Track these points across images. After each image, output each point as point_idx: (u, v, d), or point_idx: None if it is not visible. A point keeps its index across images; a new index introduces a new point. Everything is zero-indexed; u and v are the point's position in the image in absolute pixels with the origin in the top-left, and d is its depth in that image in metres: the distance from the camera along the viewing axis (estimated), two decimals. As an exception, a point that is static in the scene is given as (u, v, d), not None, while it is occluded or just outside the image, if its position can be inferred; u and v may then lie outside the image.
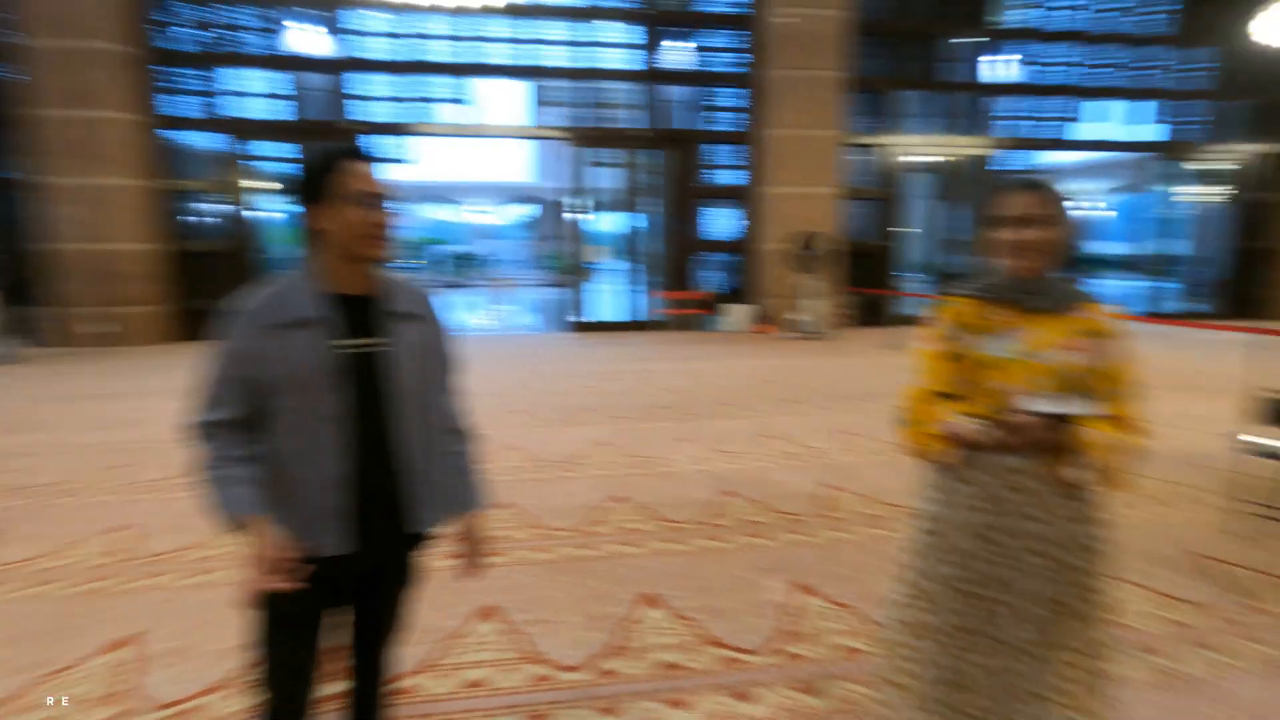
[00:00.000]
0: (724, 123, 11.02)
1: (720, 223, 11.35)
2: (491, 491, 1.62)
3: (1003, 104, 11.71)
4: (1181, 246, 12.90)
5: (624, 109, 11.04)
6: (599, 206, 12.17)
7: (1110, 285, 14.78)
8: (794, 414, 5.55)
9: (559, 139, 10.87)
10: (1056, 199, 1.47)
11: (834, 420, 5.34)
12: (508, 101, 13.81)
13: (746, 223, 11.02)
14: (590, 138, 10.66)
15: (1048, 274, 1.51)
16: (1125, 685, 2.10)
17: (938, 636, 1.59)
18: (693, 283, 11.16)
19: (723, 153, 11.14)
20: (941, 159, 11.52)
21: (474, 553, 1.56)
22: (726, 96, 10.95)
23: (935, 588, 1.59)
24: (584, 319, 11.21)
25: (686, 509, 3.52)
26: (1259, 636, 2.37)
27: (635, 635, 2.37)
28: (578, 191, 10.83)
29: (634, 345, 9.50)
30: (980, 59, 11.51)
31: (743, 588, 2.70)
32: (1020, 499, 1.49)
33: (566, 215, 10.92)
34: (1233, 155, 11.93)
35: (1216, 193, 12.41)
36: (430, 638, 2.29)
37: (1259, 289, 12.10)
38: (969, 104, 11.56)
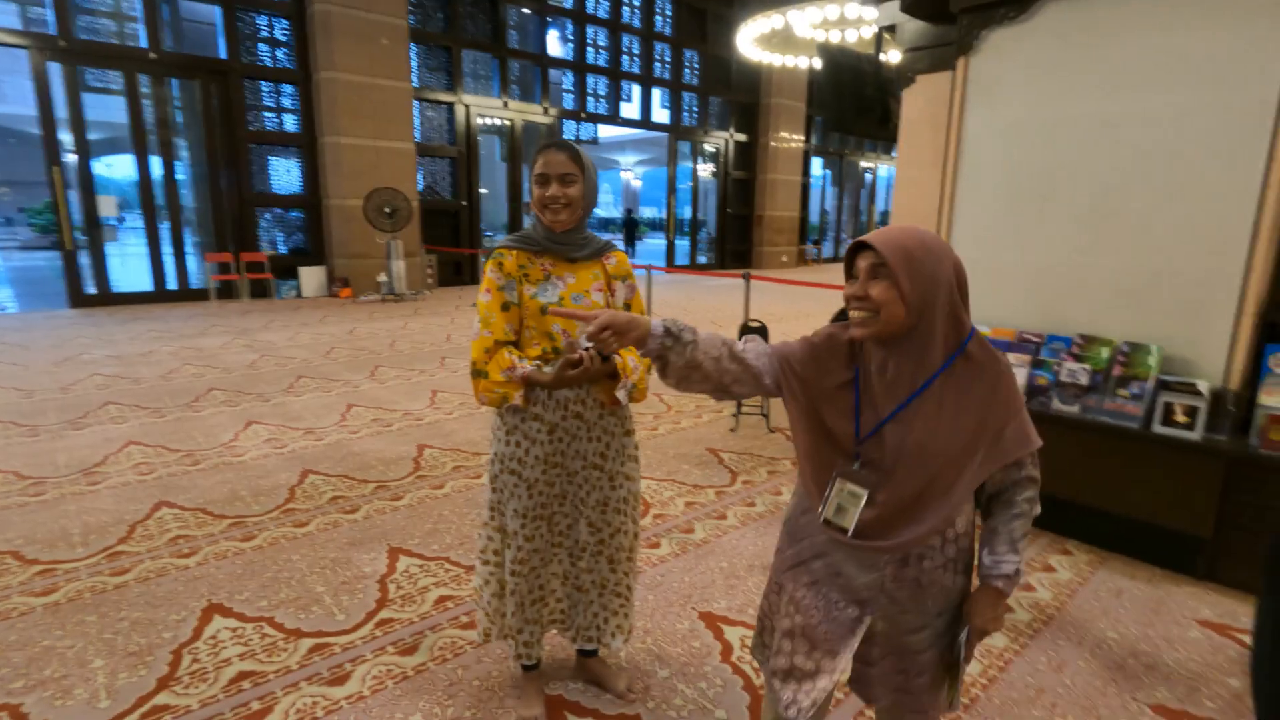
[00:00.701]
0: (270, 59, 9.59)
1: (285, 175, 9.98)
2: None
3: (567, 78, 12.84)
4: (689, 212, 16.19)
5: (119, 20, 8.72)
6: (101, 146, 9.46)
7: (646, 244, 17.77)
8: (380, 379, 5.31)
9: (15, 46, 8.01)
10: (581, 157, 1.65)
11: (422, 382, 5.28)
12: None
13: (312, 175, 9.92)
14: (69, 52, 8.13)
15: (581, 224, 1.70)
16: (665, 561, 2.62)
17: (516, 565, 1.72)
18: (251, 242, 9.64)
19: (277, 96, 9.71)
20: (509, 123, 12.09)
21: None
22: (272, 29, 9.52)
23: (513, 522, 1.71)
24: (98, 291, 8.76)
25: (258, 499, 3.09)
26: (743, 500, 3.19)
27: (196, 659, 2.00)
28: (71, 124, 8.23)
29: (176, 320, 7.83)
30: (543, 32, 12.34)
31: (330, 569, 2.50)
32: (577, 424, 1.68)
33: (64, 157, 8.18)
34: (719, 140, 15.34)
35: (711, 169, 15.88)
36: None
37: (745, 245, 16.07)
38: (536, 73, 12.33)
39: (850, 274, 1.12)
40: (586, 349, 1.54)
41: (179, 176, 9.37)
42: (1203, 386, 2.46)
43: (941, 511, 1.11)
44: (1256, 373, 2.45)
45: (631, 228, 22.29)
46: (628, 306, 1.72)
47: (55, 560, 2.53)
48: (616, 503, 1.74)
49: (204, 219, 9.76)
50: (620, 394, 1.64)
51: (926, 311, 1.06)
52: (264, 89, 9.60)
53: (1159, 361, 2.59)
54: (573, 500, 1.72)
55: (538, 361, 1.63)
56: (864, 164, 19.72)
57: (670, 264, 15.12)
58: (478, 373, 1.62)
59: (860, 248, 1.10)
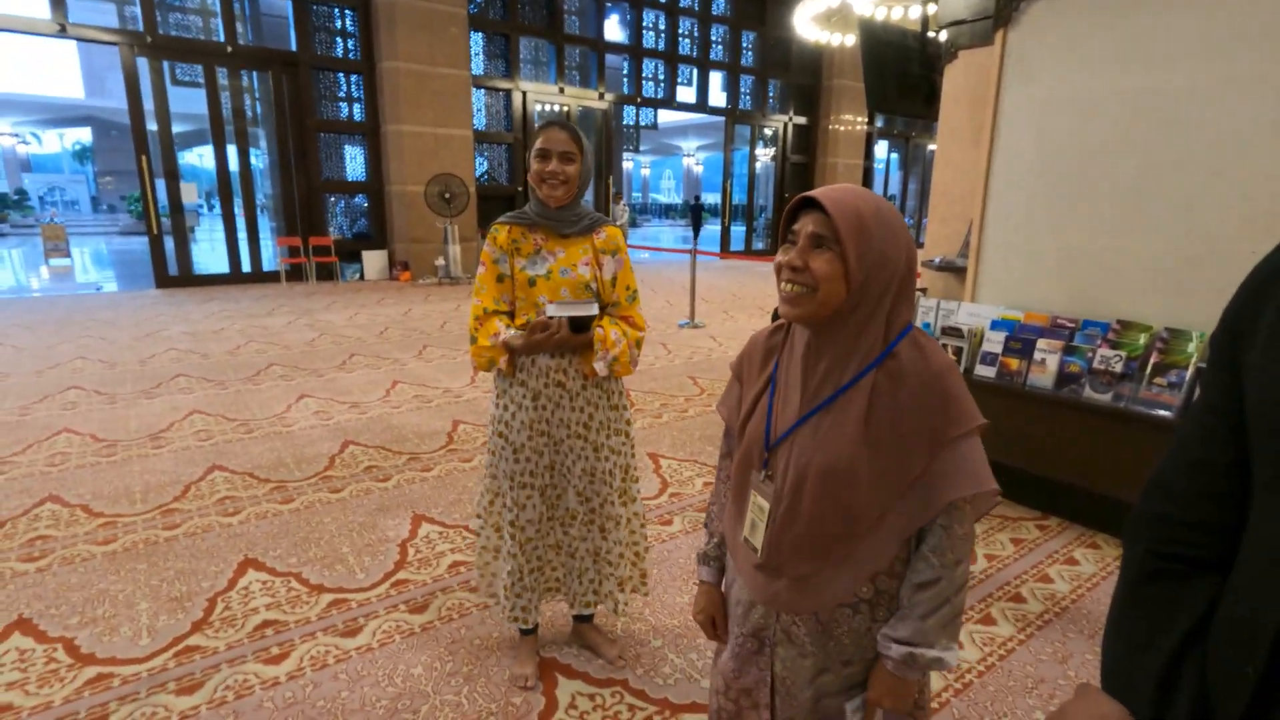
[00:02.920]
0: (341, 50, 9.98)
1: (350, 163, 10.41)
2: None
3: (624, 63, 12.88)
4: (746, 196, 15.97)
5: (204, 15, 9.25)
6: (191, 137, 10.10)
7: (706, 230, 17.62)
8: (426, 359, 5.52)
9: (108, 43, 8.63)
10: (580, 138, 1.70)
11: (466, 361, 5.46)
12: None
13: (375, 163, 10.31)
14: (155, 47, 8.69)
15: (575, 201, 1.75)
16: (675, 538, 2.66)
17: (513, 530, 1.80)
18: (320, 228, 10.12)
19: (348, 86, 10.12)
20: (567, 108, 12.22)
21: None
22: (343, 19, 9.91)
23: (505, 486, 1.79)
24: (179, 273, 9.39)
25: (300, 467, 3.29)
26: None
27: (228, 606, 2.17)
28: (157, 115, 8.81)
29: (247, 300, 8.32)
30: (600, 17, 12.39)
31: (357, 531, 2.66)
32: (559, 393, 1.74)
33: (152, 147, 8.78)
34: (778, 123, 15.05)
35: (770, 153, 15.61)
36: (-84, 677, 1.78)
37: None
38: (592, 59, 12.41)
39: (788, 237, 0.93)
40: (553, 317, 1.60)
41: (255, 165, 9.91)
42: (1246, 376, 2.31)
43: (858, 566, 0.93)
44: (1309, 362, 2.28)
45: (698, 214, 22.17)
46: (614, 279, 1.76)
47: (117, 514, 2.78)
48: (603, 475, 1.79)
49: (277, 205, 10.29)
50: (599, 365, 1.69)
51: (869, 296, 0.89)
52: (332, 79, 10.01)
53: (1200, 349, 2.44)
54: (560, 470, 1.78)
55: (520, 329, 1.70)
56: (931, 146, 18.97)
57: (725, 249, 14.99)
58: (471, 339, 1.72)
59: (805, 206, 0.91)
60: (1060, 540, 2.65)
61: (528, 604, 1.86)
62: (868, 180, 16.60)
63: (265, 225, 10.60)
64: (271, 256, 10.25)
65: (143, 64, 8.66)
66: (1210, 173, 2.41)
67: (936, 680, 1.85)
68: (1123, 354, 2.58)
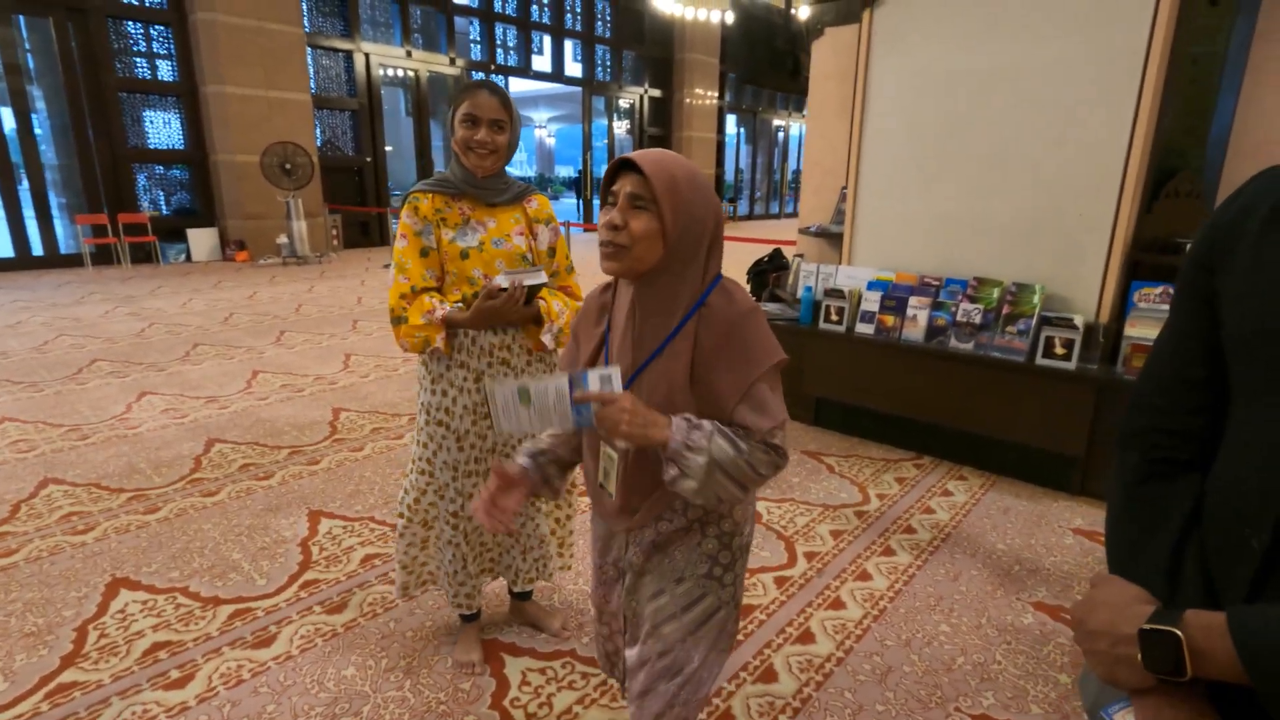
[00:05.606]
0: (138, -4, 8.67)
1: (164, 129, 9.13)
2: None
3: (475, 27, 12.27)
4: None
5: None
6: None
7: (560, 204, 17.49)
8: (287, 345, 5.06)
9: None
10: (510, 103, 1.62)
11: (334, 346, 5.07)
12: None
13: (195, 129, 9.14)
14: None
15: (502, 171, 1.67)
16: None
17: (453, 519, 1.72)
18: (129, 203, 8.84)
19: (155, 41, 8.82)
20: (413, 74, 11.50)
21: None
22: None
23: (443, 474, 1.70)
24: (-55, 258, 7.84)
25: (159, 472, 2.91)
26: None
27: (104, 634, 1.90)
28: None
29: (44, 288, 7.15)
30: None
31: (247, 535, 2.41)
32: (504, 371, 1.67)
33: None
34: (634, 95, 15.15)
35: (626, 126, 15.71)
36: None
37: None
38: (440, 21, 11.71)
39: (607, 198, 0.99)
40: (504, 289, 1.51)
41: (37, 130, 8.42)
42: (1078, 321, 2.70)
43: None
44: (1124, 307, 2.71)
45: (542, 188, 21.86)
46: (553, 250, 1.72)
47: (-72, 546, 2.32)
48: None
49: (71, 177, 8.84)
50: (546, 339, 1.64)
51: (683, 251, 0.97)
52: (133, 31, 8.70)
53: (1042, 299, 2.82)
54: (502, 452, 1.72)
55: (459, 304, 1.61)
56: (777, 121, 20.01)
57: (587, 222, 14.96)
58: (397, 319, 1.59)
59: (623, 168, 0.97)
60: (935, 475, 2.97)
61: (471, 590, 1.80)
62: (719, 153, 17.21)
63: (54, 201, 9.07)
64: (69, 237, 8.83)
65: None
66: (1050, 142, 2.76)
67: (856, 610, 2.03)
68: (980, 307, 2.91)
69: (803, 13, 4.98)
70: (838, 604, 2.07)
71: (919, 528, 2.53)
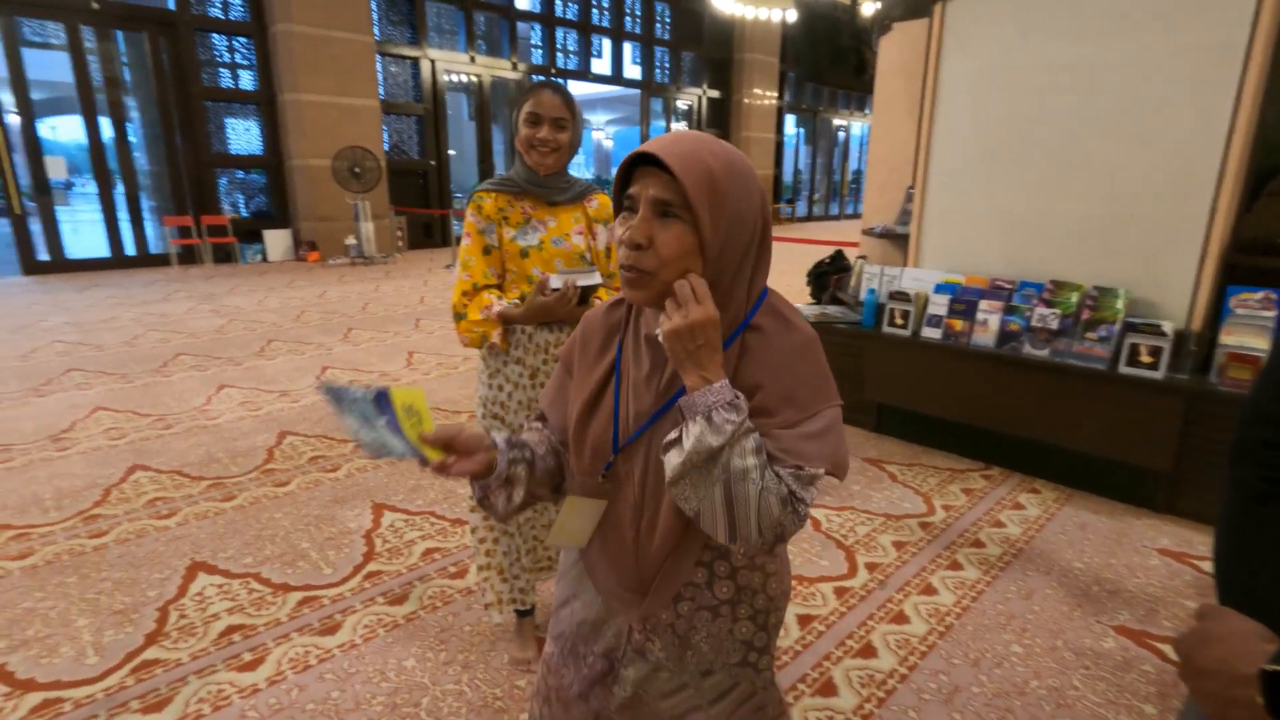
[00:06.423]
0: (221, 9, 9.14)
1: (245, 135, 9.60)
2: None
3: (536, 32, 12.47)
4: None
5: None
6: (43, 108, 9.00)
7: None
8: (354, 342, 5.24)
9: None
10: (573, 102, 1.62)
11: (397, 344, 5.22)
12: None
13: (273, 135, 9.58)
14: (4, 1, 7.66)
15: (563, 169, 1.68)
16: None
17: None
18: (211, 206, 9.33)
19: (237, 52, 9.28)
20: (476, 79, 11.75)
21: None
22: (221, -24, 9.06)
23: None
24: (48, 258, 8.43)
25: (236, 461, 3.05)
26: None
27: (183, 614, 2.00)
28: (12, 82, 7.79)
29: (135, 286, 7.60)
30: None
31: (314, 525, 2.50)
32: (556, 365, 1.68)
33: (5, 117, 7.73)
34: (692, 96, 15.10)
35: (684, 127, 15.66)
36: None
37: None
38: (503, 26, 11.95)
39: (624, 203, 0.77)
40: (556, 289, 1.53)
41: (131, 138, 8.97)
42: (1167, 327, 2.53)
43: (693, 538, 0.82)
44: (1218, 313, 2.53)
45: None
46: (609, 250, 1.71)
47: (29, 525, 2.49)
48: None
49: (160, 182, 9.39)
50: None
51: (727, 266, 0.76)
52: (217, 43, 9.18)
53: (1126, 304, 2.66)
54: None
55: (515, 302, 1.62)
56: (837, 121, 19.61)
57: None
58: (458, 315, 1.62)
59: (642, 162, 0.74)
60: (1005, 487, 2.84)
61: (525, 585, 1.81)
62: (779, 154, 16.98)
63: (146, 204, 9.65)
64: (158, 238, 9.38)
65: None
66: (1132, 140, 2.61)
67: (920, 625, 1.96)
68: (1058, 311, 2.76)
69: (868, 8, 4.86)
70: (900, 618, 2.00)
71: (988, 542, 2.42)
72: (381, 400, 0.79)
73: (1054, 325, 2.76)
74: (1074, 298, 2.77)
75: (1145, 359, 2.56)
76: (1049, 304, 2.81)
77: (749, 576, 0.86)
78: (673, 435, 0.73)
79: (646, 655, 0.88)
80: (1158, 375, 2.53)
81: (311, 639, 1.89)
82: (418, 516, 2.58)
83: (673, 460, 0.72)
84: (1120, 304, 2.65)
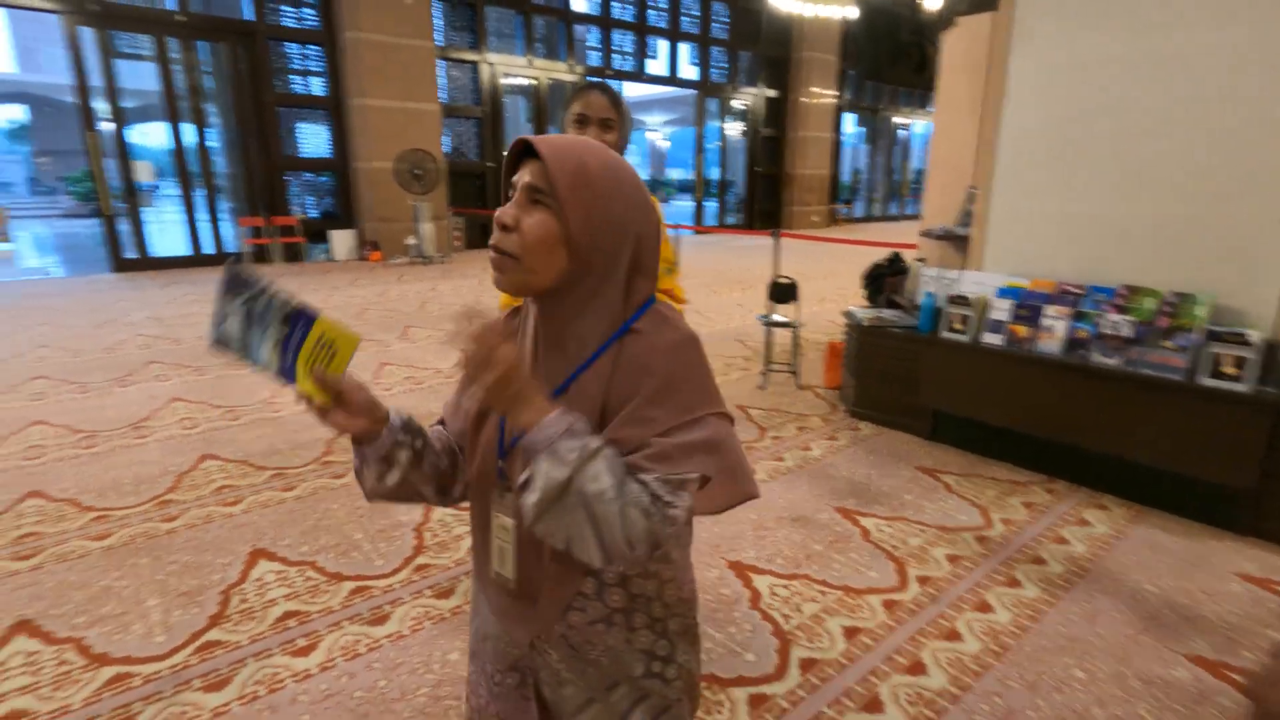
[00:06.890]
0: (300, 19, 9.54)
1: (314, 139, 10.01)
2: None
3: (593, 34, 12.60)
4: (717, 172, 15.92)
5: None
6: (132, 114, 9.58)
7: (672, 206, 17.59)
8: (412, 339, 5.38)
9: (46, 10, 8.09)
10: (621, 102, 1.63)
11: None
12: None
13: (340, 139, 9.94)
14: (98, 16, 8.18)
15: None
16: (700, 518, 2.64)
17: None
18: (282, 207, 9.75)
19: (309, 59, 9.68)
20: (534, 82, 11.93)
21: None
22: (295, -13, 9.46)
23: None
24: (135, 256, 8.96)
25: (296, 453, 3.18)
26: (772, 455, 3.19)
27: (244, 599, 2.09)
28: (105, 90, 8.31)
29: (212, 283, 7.95)
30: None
31: (368, 517, 2.58)
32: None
33: (99, 124, 8.27)
34: (748, 96, 14.96)
35: (740, 127, 15.53)
36: (-83, 687, 1.67)
37: (774, 205, 15.77)
38: (560, 30, 12.11)
39: (508, 191, 0.78)
40: None
41: (211, 143, 9.46)
42: (1253, 337, 2.37)
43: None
44: (1312, 322, 2.35)
45: (653, 191, 22.08)
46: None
47: (109, 507, 2.65)
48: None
49: (236, 184, 9.87)
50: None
51: (595, 263, 0.75)
52: (290, 51, 9.58)
53: (1209, 312, 2.49)
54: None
55: None
56: (898, 120, 19.10)
57: (699, 224, 14.93)
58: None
59: (526, 154, 0.76)
60: (1069, 502, 2.70)
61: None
62: (836, 153, 16.65)
63: (223, 205, 10.17)
64: (233, 237, 9.86)
65: (86, 34, 8.15)
66: (1216, 138, 2.44)
67: (974, 643, 1.88)
68: (1131, 318, 2.62)
69: (931, 3, 4.71)
70: (953, 635, 1.92)
71: (1050, 559, 2.31)
72: (299, 319, 0.72)
73: (1127, 333, 2.61)
74: (1150, 304, 2.61)
75: (1229, 370, 2.40)
76: (1122, 310, 2.66)
77: (641, 584, 0.83)
78: (524, 476, 0.71)
79: (551, 670, 0.86)
80: (1242, 388, 2.36)
81: (362, 628, 1.95)
82: (465, 513, 2.62)
83: (529, 501, 0.69)
84: (1202, 311, 2.49)
